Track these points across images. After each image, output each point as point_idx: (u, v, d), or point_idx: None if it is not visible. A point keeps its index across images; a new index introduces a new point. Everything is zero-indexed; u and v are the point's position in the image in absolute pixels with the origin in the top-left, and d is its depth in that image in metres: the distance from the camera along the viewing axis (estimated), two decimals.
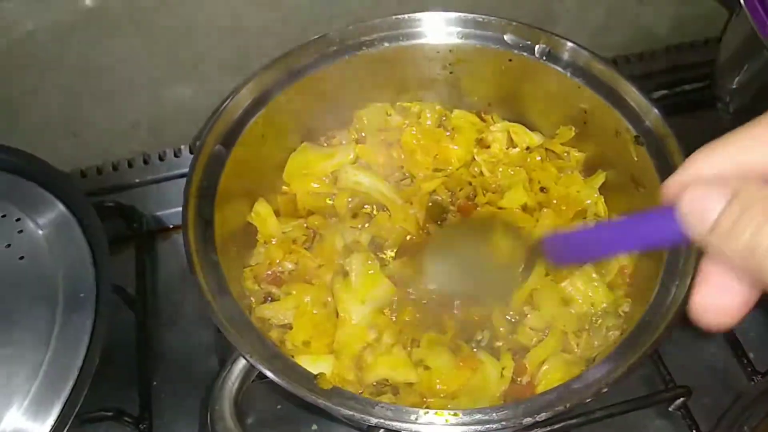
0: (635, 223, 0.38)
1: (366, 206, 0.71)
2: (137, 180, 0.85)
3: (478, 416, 0.48)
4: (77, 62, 0.79)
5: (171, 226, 0.83)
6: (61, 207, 0.68)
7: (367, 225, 0.69)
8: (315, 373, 0.51)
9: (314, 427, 0.68)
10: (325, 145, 0.74)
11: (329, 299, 0.62)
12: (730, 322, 0.31)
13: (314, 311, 0.61)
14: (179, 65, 0.83)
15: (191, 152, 0.87)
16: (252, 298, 0.64)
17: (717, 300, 0.31)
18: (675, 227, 0.31)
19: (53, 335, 0.61)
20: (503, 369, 0.60)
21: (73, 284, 0.64)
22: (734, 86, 0.72)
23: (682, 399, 0.63)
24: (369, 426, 0.49)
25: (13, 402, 0.57)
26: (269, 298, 0.64)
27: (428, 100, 0.76)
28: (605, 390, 0.49)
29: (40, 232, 0.66)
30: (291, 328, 0.61)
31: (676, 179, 0.32)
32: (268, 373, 0.50)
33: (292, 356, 0.55)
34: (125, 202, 0.80)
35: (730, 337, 0.69)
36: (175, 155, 0.87)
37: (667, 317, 0.53)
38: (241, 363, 0.53)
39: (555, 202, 0.69)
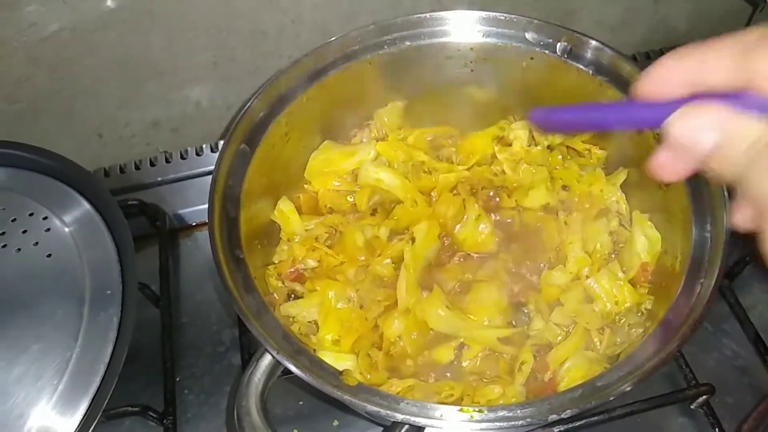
0: (623, 108, 0.43)
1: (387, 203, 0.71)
2: (159, 179, 0.86)
3: (502, 413, 0.49)
4: (100, 62, 0.80)
5: (193, 224, 0.84)
6: (86, 205, 0.69)
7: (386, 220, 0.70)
8: (340, 369, 0.52)
9: (335, 422, 0.68)
10: (347, 143, 0.74)
11: (353, 294, 0.62)
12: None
13: (339, 305, 0.61)
14: (200, 65, 0.84)
15: (212, 151, 0.88)
16: (276, 295, 0.64)
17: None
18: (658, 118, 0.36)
19: (80, 332, 0.62)
20: (522, 364, 0.61)
21: (99, 281, 0.65)
22: None
23: (705, 397, 0.63)
24: (394, 422, 0.50)
25: (41, 398, 0.58)
26: (293, 296, 0.64)
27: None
28: (629, 389, 0.49)
29: (67, 229, 0.67)
30: (316, 325, 0.62)
31: (650, 80, 0.37)
32: (295, 369, 0.51)
33: (314, 351, 0.56)
34: (148, 201, 0.81)
35: (753, 335, 0.68)
36: (197, 154, 0.88)
37: (692, 316, 0.53)
38: (267, 359, 0.54)
39: (577, 200, 0.69)
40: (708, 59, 0.35)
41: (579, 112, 0.43)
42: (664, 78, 0.36)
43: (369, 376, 0.58)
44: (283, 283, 0.64)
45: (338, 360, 0.57)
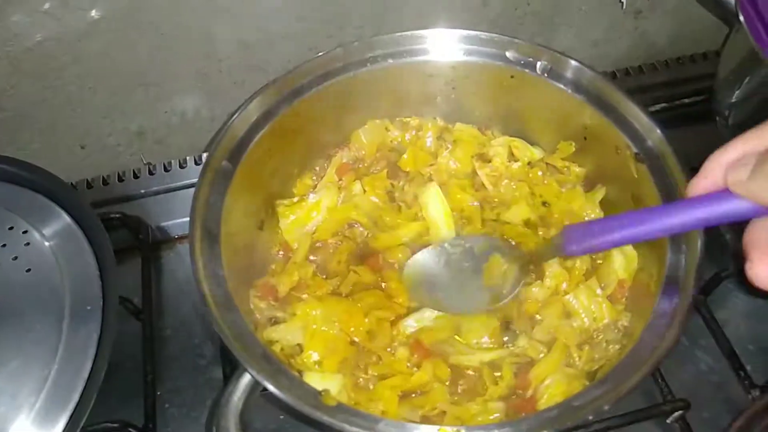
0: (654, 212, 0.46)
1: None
2: (143, 191, 0.86)
3: None
4: (84, 73, 0.80)
5: (176, 237, 0.84)
6: (67, 219, 0.69)
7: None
8: (320, 389, 0.52)
9: None
10: (311, 194, 0.73)
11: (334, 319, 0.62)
12: None
13: (323, 328, 0.62)
14: (186, 76, 0.84)
15: (196, 163, 0.88)
16: (257, 315, 0.64)
17: None
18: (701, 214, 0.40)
19: (60, 347, 0.61)
20: (499, 379, 0.61)
21: (79, 296, 0.64)
22: (734, 100, 0.72)
23: (680, 412, 0.64)
24: None
25: (19, 414, 0.57)
26: (274, 320, 0.65)
27: (429, 115, 0.77)
28: (606, 408, 0.50)
29: (47, 243, 0.67)
30: (300, 347, 0.62)
31: (699, 180, 0.41)
32: (274, 390, 0.51)
33: (300, 373, 0.56)
34: (131, 213, 0.80)
35: (727, 350, 0.69)
36: (181, 166, 0.88)
37: (666, 336, 0.54)
38: (246, 378, 0.54)
39: (557, 216, 0.70)
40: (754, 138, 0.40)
41: (628, 224, 0.46)
42: (714, 169, 0.40)
43: (353, 395, 0.59)
44: (263, 302, 0.64)
45: (324, 380, 0.57)
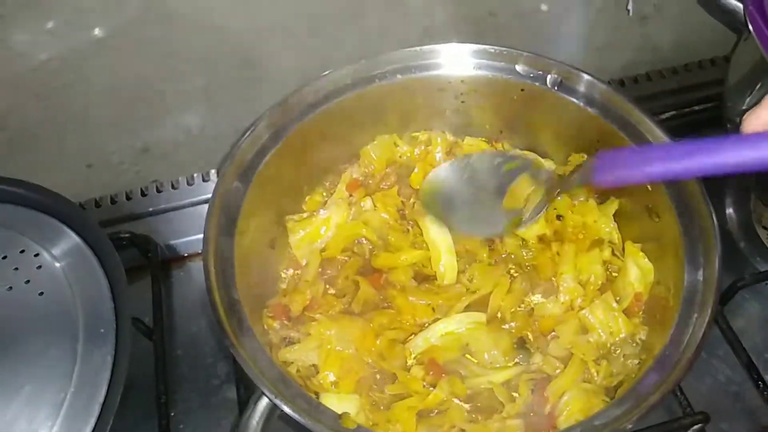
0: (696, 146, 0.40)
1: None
2: (151, 209, 0.86)
3: None
4: (89, 91, 0.80)
5: (186, 255, 0.84)
6: (77, 239, 0.68)
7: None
8: (339, 412, 0.52)
9: None
10: (322, 210, 0.73)
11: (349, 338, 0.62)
12: None
13: (338, 348, 0.61)
14: (190, 92, 0.84)
15: (204, 180, 0.88)
16: (271, 335, 0.64)
17: None
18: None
19: (74, 371, 0.61)
20: (518, 396, 0.61)
21: (92, 318, 0.64)
22: (744, 107, 0.72)
23: (700, 425, 0.63)
24: None
25: None
26: (288, 339, 0.64)
27: (438, 129, 0.76)
28: (630, 427, 0.50)
29: (58, 265, 0.66)
30: (316, 368, 0.62)
31: (760, 113, 0.40)
32: (293, 414, 0.51)
33: (317, 394, 0.55)
34: (139, 232, 0.80)
35: (745, 360, 0.69)
36: (188, 183, 0.88)
37: (687, 352, 0.53)
38: (264, 402, 0.53)
39: (570, 230, 0.69)
40: None
41: (670, 157, 0.41)
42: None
43: (371, 416, 0.58)
44: (276, 322, 0.64)
45: (341, 402, 0.57)
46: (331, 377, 0.60)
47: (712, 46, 0.96)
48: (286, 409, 0.51)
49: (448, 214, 0.61)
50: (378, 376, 0.62)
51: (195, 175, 0.88)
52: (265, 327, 0.64)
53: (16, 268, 0.66)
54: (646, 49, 0.98)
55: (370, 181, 0.75)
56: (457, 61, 0.70)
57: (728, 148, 0.38)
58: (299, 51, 0.82)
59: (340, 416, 0.51)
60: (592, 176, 0.47)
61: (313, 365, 0.62)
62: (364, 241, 0.71)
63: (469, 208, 0.62)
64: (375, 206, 0.72)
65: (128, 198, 0.87)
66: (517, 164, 0.61)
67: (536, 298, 0.66)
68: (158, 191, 0.87)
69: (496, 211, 0.60)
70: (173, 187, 0.88)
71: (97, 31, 0.75)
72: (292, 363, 0.61)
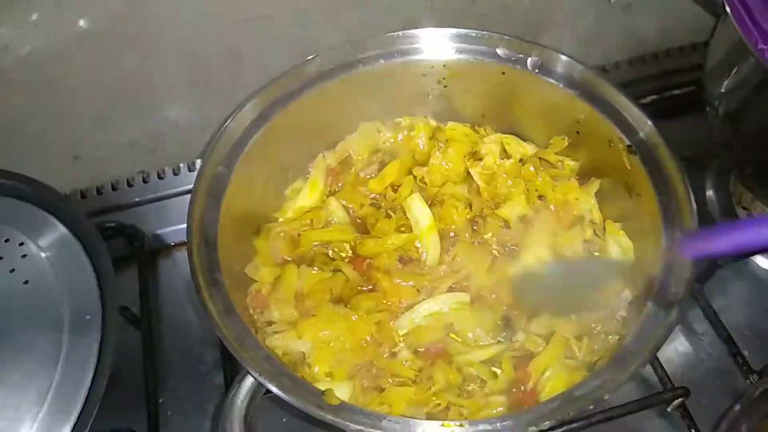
0: None
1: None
2: (137, 199, 0.86)
3: (482, 426, 0.49)
4: (75, 83, 0.80)
5: (173, 244, 0.84)
6: (63, 229, 0.68)
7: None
8: (323, 389, 0.52)
9: None
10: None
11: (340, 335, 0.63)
12: None
13: (331, 344, 0.62)
14: (176, 84, 0.84)
15: (190, 170, 0.88)
16: (257, 318, 0.64)
17: None
18: None
19: (60, 359, 0.61)
20: (500, 372, 0.62)
21: (78, 307, 0.64)
22: (723, 90, 0.73)
23: (680, 399, 0.64)
24: None
25: (22, 426, 0.57)
26: (271, 322, 0.65)
27: (421, 114, 0.77)
28: (607, 397, 0.51)
29: (43, 255, 0.66)
30: (304, 354, 0.62)
31: None
32: (277, 391, 0.51)
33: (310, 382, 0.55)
34: (126, 222, 0.80)
35: (725, 337, 0.70)
36: (174, 173, 0.88)
37: (665, 322, 0.54)
38: (249, 381, 0.54)
39: (553, 208, 0.70)
40: None
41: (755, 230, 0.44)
42: None
43: (362, 399, 0.59)
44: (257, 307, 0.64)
45: (334, 389, 0.55)
46: (325, 369, 0.61)
47: (693, 32, 0.97)
48: (271, 387, 0.52)
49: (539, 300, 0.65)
50: (370, 368, 0.62)
51: (181, 165, 0.89)
52: (251, 311, 0.65)
53: (1, 258, 0.66)
54: (629, 37, 0.98)
55: (352, 170, 0.75)
56: (439, 45, 0.70)
57: None
58: (283, 42, 0.83)
59: (323, 393, 0.52)
60: (681, 252, 0.53)
61: (302, 352, 0.62)
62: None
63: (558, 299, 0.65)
64: (344, 205, 0.72)
65: (114, 189, 0.87)
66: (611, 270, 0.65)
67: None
68: (144, 182, 0.87)
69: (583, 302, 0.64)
70: (159, 177, 0.88)
71: (81, 24, 0.75)
72: (280, 350, 0.61)
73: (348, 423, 0.50)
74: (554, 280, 0.67)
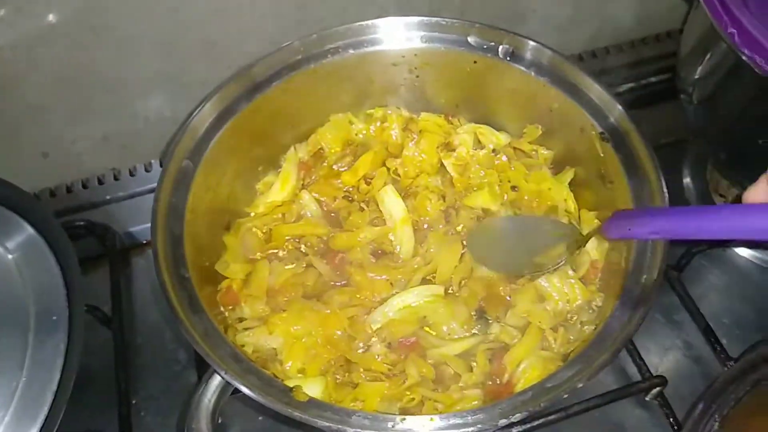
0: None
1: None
2: (108, 197, 0.85)
3: (453, 420, 0.49)
4: (44, 79, 0.78)
5: (144, 242, 0.83)
6: (30, 230, 0.67)
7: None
8: (292, 386, 0.51)
9: None
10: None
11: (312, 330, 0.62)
12: None
13: (303, 340, 0.61)
14: (148, 78, 0.83)
15: (161, 166, 0.86)
16: (227, 315, 0.63)
17: None
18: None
19: (26, 360, 0.60)
20: (475, 365, 0.61)
21: (44, 307, 0.63)
22: (696, 77, 0.72)
23: (658, 388, 0.64)
24: None
25: None
26: (242, 319, 0.63)
27: (394, 105, 0.76)
28: (580, 386, 0.50)
29: (10, 257, 0.65)
30: (276, 352, 0.61)
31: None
32: (243, 389, 0.50)
33: (281, 379, 0.54)
34: (97, 220, 0.79)
35: (703, 325, 0.70)
36: (146, 170, 0.87)
37: (637, 311, 0.53)
38: (217, 379, 0.53)
39: (526, 198, 0.69)
40: None
41: (678, 218, 0.43)
42: None
43: (335, 395, 0.58)
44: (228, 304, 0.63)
45: (305, 386, 0.54)
46: (298, 365, 0.60)
47: (669, 20, 0.97)
48: (237, 385, 0.50)
49: (487, 257, 0.66)
50: (343, 363, 0.61)
51: (153, 161, 0.87)
52: (221, 308, 0.63)
53: None
54: (605, 26, 0.98)
55: (324, 164, 0.74)
56: (410, 34, 0.69)
57: (726, 216, 0.40)
58: (258, 32, 0.81)
59: (291, 389, 0.51)
60: (604, 232, 0.51)
61: (273, 348, 0.61)
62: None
63: (506, 254, 0.67)
64: (317, 199, 0.71)
65: (85, 186, 0.85)
66: (561, 233, 0.64)
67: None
68: (116, 179, 0.86)
69: (526, 261, 0.65)
70: (131, 174, 0.86)
71: (50, 18, 0.73)
72: (250, 344, 0.61)
73: (316, 419, 0.49)
74: (506, 235, 0.68)
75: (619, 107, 0.63)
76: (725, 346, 0.68)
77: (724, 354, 0.67)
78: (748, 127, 0.66)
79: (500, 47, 0.68)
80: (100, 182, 0.86)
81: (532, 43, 0.67)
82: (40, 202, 0.78)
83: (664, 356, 0.71)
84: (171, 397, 0.71)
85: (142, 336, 0.76)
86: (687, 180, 0.84)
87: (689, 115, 0.73)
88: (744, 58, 0.60)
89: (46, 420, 0.58)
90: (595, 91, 0.65)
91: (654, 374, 0.65)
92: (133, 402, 0.70)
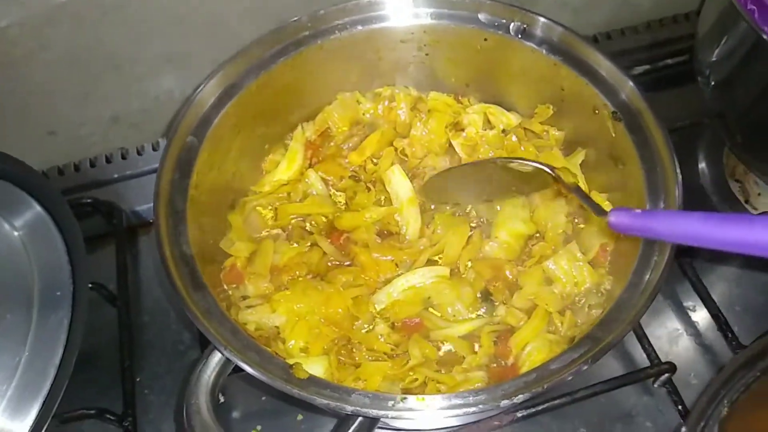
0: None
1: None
2: (116, 175, 0.84)
3: (455, 401, 0.48)
4: (53, 58, 0.78)
5: (151, 221, 0.82)
6: (37, 207, 0.67)
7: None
8: (291, 362, 0.51)
9: (299, 417, 0.67)
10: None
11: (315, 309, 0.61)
12: None
13: (306, 318, 0.60)
14: (157, 57, 0.82)
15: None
16: (230, 291, 0.63)
17: None
18: None
19: (29, 336, 0.61)
20: (479, 347, 0.60)
21: (49, 284, 0.63)
22: (714, 59, 0.70)
23: (666, 375, 0.63)
24: (347, 414, 0.49)
25: None
26: (245, 296, 0.63)
27: (402, 84, 0.75)
28: (585, 368, 0.49)
29: (16, 233, 0.65)
30: (278, 329, 0.60)
31: None
32: (243, 365, 0.50)
33: (284, 358, 0.54)
34: (104, 198, 0.79)
35: (714, 312, 0.68)
36: (153, 149, 0.86)
37: (645, 293, 0.52)
38: (217, 356, 0.52)
39: None
40: None
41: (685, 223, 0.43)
42: None
43: (338, 374, 0.57)
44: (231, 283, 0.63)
45: (308, 364, 0.54)
46: (301, 344, 0.59)
47: (686, 1, 0.94)
48: (237, 361, 0.50)
49: (447, 195, 0.67)
50: (346, 343, 0.61)
51: (160, 140, 0.87)
52: (224, 286, 0.63)
53: None
54: (622, 7, 0.96)
55: (332, 144, 0.73)
56: (419, 10, 0.68)
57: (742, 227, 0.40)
58: (267, 10, 0.80)
59: (291, 366, 0.50)
60: (608, 219, 0.51)
61: (276, 327, 0.60)
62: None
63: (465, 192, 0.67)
64: (323, 180, 0.71)
65: (92, 165, 0.85)
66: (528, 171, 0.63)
67: (489, 247, 0.65)
68: (123, 158, 0.86)
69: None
70: (138, 153, 0.86)
71: None
72: (252, 323, 0.60)
73: (315, 397, 0.48)
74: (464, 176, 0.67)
75: (631, 85, 0.61)
76: (736, 333, 0.66)
77: (735, 341, 0.66)
78: (767, 110, 0.64)
79: (511, 24, 0.66)
80: (108, 161, 0.86)
81: (543, 20, 0.65)
82: (47, 180, 0.78)
83: (673, 343, 0.70)
84: (175, 376, 0.71)
85: (147, 314, 0.76)
86: (702, 165, 0.82)
87: (707, 98, 0.71)
88: (764, 36, 0.58)
89: (48, 395, 0.59)
90: (608, 69, 0.63)
91: (663, 361, 0.64)
92: (137, 380, 0.70)
